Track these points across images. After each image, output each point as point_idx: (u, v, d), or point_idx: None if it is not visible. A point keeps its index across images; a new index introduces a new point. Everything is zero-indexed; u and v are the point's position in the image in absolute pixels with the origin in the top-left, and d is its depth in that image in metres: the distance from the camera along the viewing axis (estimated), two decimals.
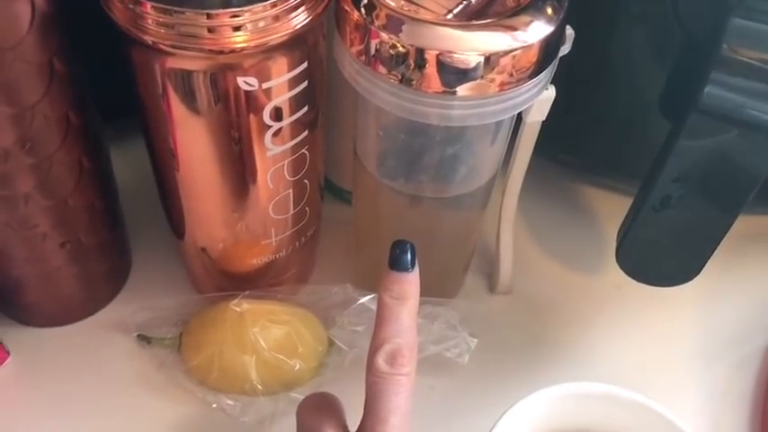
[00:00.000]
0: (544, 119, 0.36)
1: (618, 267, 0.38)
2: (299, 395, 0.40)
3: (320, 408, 0.33)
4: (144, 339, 0.42)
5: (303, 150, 0.36)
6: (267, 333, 0.39)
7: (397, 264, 0.33)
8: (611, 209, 0.51)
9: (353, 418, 0.40)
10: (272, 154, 0.35)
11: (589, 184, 0.54)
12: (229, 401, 0.40)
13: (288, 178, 0.37)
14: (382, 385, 0.31)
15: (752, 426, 0.43)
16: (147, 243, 0.47)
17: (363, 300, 0.41)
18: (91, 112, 0.36)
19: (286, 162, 0.36)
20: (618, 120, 0.45)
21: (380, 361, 0.31)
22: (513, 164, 0.39)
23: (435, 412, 0.41)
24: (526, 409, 0.34)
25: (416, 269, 0.33)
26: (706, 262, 0.37)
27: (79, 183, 0.36)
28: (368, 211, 0.41)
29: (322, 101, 0.37)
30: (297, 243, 0.41)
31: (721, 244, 0.49)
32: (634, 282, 0.38)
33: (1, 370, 0.41)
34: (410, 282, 0.33)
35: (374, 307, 0.41)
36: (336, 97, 0.43)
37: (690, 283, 0.41)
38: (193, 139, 0.34)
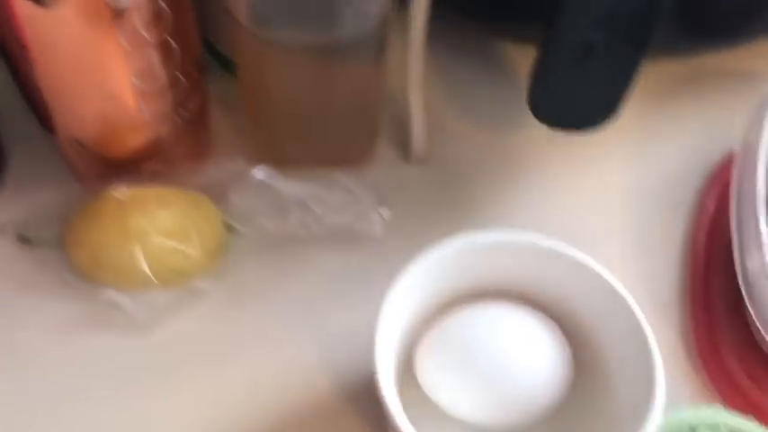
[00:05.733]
0: None
1: (539, 122, 0.35)
2: (201, 283, 0.38)
3: None
4: (24, 240, 0.38)
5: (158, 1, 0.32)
6: (154, 219, 0.36)
7: None
8: (528, 62, 0.48)
9: (262, 298, 0.38)
10: (119, 6, 0.30)
11: (503, 39, 0.49)
12: (122, 297, 0.37)
13: (145, 36, 0.32)
14: None
15: (682, 269, 0.41)
16: (23, 138, 0.42)
17: (258, 175, 0.38)
18: None
19: (137, 15, 0.31)
20: None
21: None
22: (412, 18, 0.35)
23: (355, 283, 0.39)
24: (428, 263, 0.32)
25: None
26: (620, 102, 0.34)
27: None
28: (253, 76, 0.37)
29: None
30: (178, 118, 0.37)
31: (651, 88, 0.46)
32: (559, 135, 0.35)
33: None
34: None
35: (271, 182, 0.38)
36: None
37: (618, 131, 0.39)
38: None
